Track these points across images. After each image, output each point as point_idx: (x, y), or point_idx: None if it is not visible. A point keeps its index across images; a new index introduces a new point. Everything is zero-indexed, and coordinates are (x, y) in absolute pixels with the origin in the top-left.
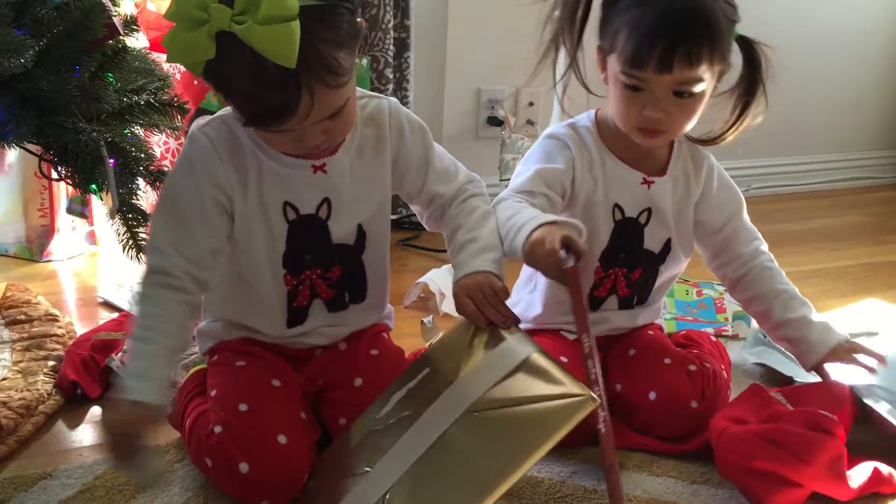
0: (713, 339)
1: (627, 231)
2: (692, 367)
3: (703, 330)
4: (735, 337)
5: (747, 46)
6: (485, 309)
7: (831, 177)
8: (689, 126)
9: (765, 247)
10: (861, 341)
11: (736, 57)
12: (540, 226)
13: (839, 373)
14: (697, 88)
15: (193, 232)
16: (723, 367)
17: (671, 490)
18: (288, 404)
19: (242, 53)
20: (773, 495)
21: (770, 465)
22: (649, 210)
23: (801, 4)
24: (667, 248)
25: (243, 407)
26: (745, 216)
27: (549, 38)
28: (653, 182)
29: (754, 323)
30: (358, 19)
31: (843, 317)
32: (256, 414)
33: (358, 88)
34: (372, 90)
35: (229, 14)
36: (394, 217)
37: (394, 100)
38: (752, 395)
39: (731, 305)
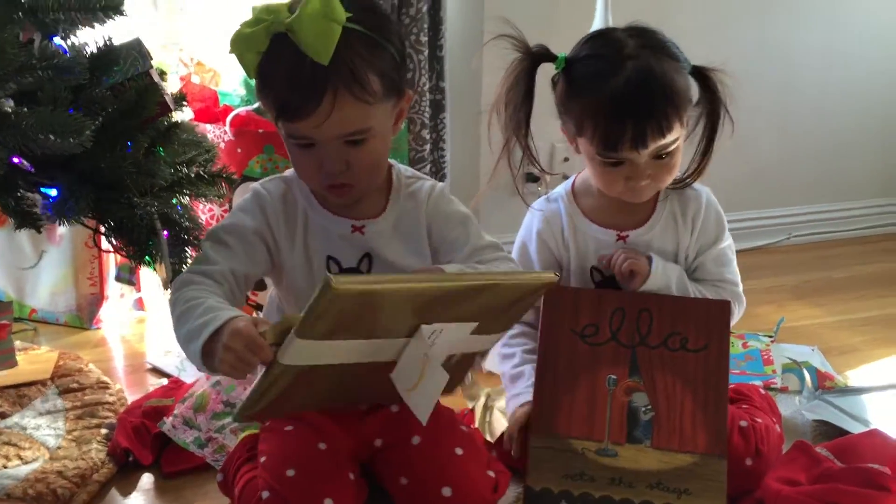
0: (762, 392)
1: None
2: (743, 424)
3: (751, 383)
4: (785, 389)
5: (702, 75)
6: None
7: (873, 222)
8: (674, 175)
9: (728, 294)
10: None
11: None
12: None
13: (893, 426)
14: (675, 146)
15: (237, 253)
16: (775, 421)
17: None
18: (335, 467)
19: (287, 51)
20: None
21: None
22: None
23: (833, 46)
24: None
25: (290, 472)
26: (718, 256)
27: (501, 145)
28: (627, 236)
29: (807, 376)
30: (407, 88)
31: (892, 366)
32: (303, 479)
33: (413, 171)
34: (410, 152)
35: (286, 16)
36: None
37: (441, 184)
38: (800, 454)
39: (779, 358)
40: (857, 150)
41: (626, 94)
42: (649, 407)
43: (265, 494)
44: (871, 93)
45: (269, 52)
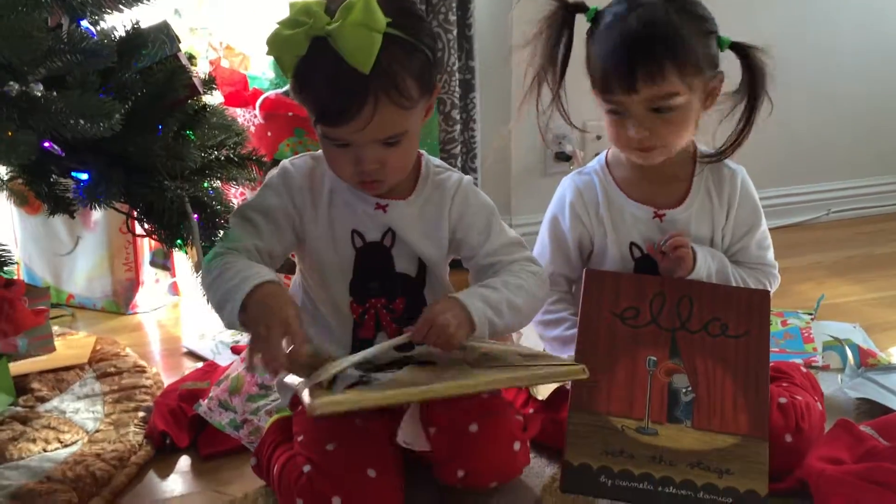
0: (804, 370)
1: (648, 268)
2: (782, 400)
3: (791, 361)
4: (826, 368)
5: (742, 53)
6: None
7: None
8: (683, 139)
9: (768, 282)
10: None
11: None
12: None
13: None
14: (675, 102)
15: (263, 231)
16: (816, 399)
17: None
18: (374, 442)
19: (327, 56)
20: None
21: None
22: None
23: (872, 19)
24: None
25: (330, 447)
26: (760, 240)
27: (529, 81)
28: (664, 215)
29: (849, 354)
30: (437, 82)
31: None
32: (344, 452)
33: (441, 162)
34: (440, 132)
35: (326, 21)
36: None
37: (468, 177)
38: (843, 432)
39: (820, 336)
40: (895, 124)
41: (624, 35)
42: (690, 388)
43: (307, 468)
44: None
45: (309, 56)
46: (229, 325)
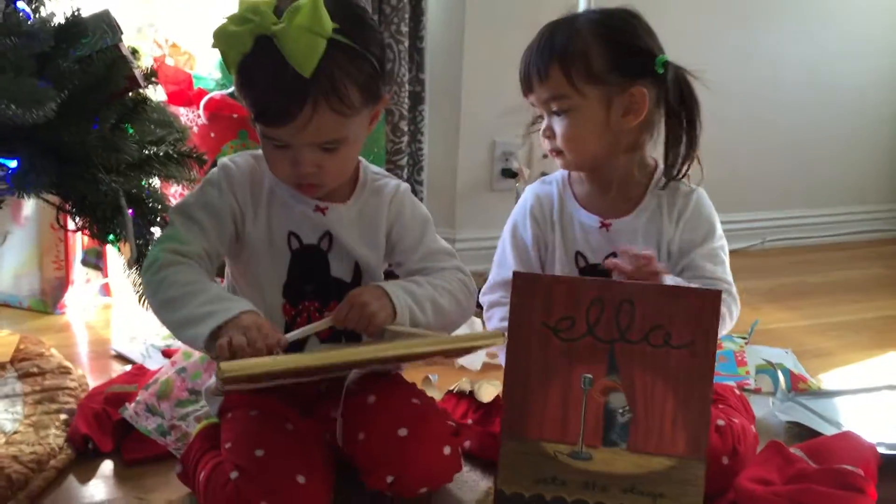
0: (737, 392)
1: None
2: (720, 423)
3: (725, 383)
4: (758, 391)
5: (673, 74)
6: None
7: (847, 229)
8: (588, 145)
9: (723, 288)
10: (882, 395)
11: None
12: None
13: (867, 430)
14: (565, 104)
15: (208, 231)
16: (749, 421)
17: None
18: (304, 446)
19: (271, 56)
20: None
21: None
22: (614, 255)
23: (814, 58)
24: None
25: (259, 452)
26: (712, 255)
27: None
28: (610, 224)
29: (781, 378)
30: (385, 93)
31: (864, 370)
32: (273, 458)
33: (379, 169)
34: (387, 143)
35: (272, 20)
36: None
37: (405, 185)
38: (774, 454)
39: (753, 359)
40: (831, 158)
41: (533, 40)
42: (627, 408)
43: (234, 475)
44: (844, 104)
45: (253, 54)
46: (188, 342)
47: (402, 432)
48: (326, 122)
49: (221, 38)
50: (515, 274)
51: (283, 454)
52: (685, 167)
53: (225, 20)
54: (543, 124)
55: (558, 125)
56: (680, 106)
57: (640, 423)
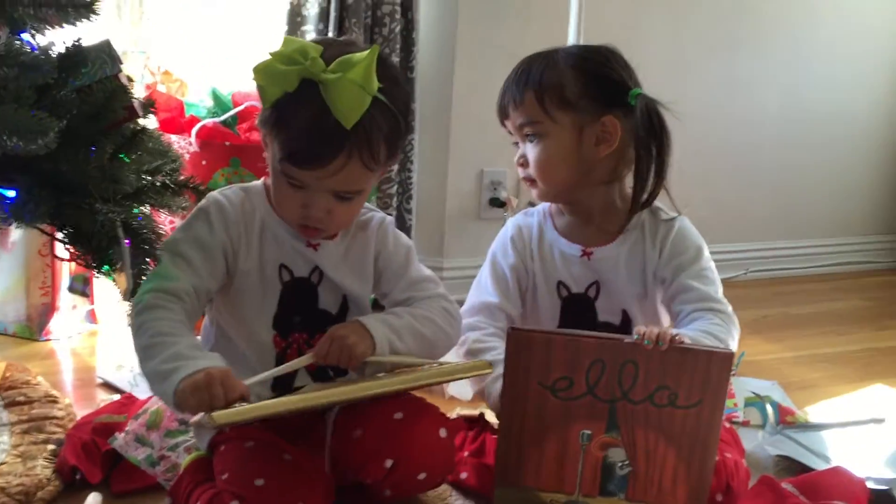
0: (727, 425)
1: (577, 307)
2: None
3: None
4: (746, 423)
5: (642, 104)
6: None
7: (830, 261)
8: (557, 173)
9: (720, 320)
10: (869, 429)
11: None
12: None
13: (855, 464)
14: (537, 129)
15: (198, 268)
16: (740, 455)
17: None
18: (303, 476)
19: (314, 100)
20: None
21: None
22: (597, 284)
23: (796, 90)
24: (626, 319)
25: (259, 482)
26: (701, 275)
27: None
28: (591, 253)
29: (770, 411)
30: (402, 149)
31: (850, 403)
32: (273, 487)
33: (364, 204)
34: None
35: (323, 68)
36: None
37: (390, 217)
38: (767, 489)
39: (741, 391)
40: (814, 190)
41: (513, 70)
42: (626, 462)
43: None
44: (827, 135)
45: (296, 95)
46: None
47: (398, 415)
48: (353, 174)
49: (265, 74)
50: (510, 332)
51: (283, 483)
52: (652, 197)
53: (270, 56)
54: (518, 152)
55: (531, 152)
56: (649, 136)
57: (639, 476)
